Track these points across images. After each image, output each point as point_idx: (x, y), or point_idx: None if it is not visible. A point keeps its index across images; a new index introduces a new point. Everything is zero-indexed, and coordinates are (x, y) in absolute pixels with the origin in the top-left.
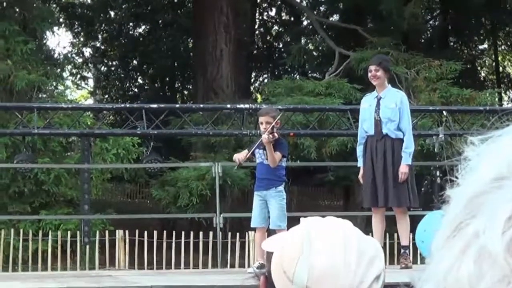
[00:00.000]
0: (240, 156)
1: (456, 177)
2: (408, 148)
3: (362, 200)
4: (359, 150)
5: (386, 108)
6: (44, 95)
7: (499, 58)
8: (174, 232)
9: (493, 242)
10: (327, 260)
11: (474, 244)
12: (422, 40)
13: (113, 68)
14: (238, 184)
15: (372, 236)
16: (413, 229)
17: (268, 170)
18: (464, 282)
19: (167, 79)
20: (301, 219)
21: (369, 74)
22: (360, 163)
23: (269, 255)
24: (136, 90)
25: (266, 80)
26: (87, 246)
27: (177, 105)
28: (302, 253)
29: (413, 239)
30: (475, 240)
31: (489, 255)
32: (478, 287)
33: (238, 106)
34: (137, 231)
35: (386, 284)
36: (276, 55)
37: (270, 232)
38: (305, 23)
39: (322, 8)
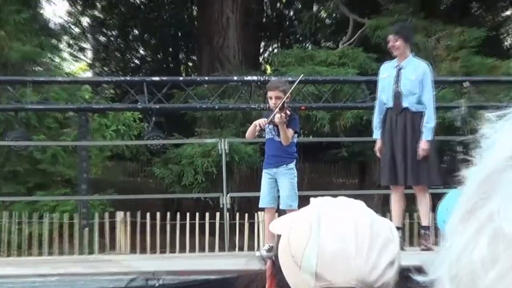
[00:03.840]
0: (261, 122)
1: (473, 155)
2: (429, 122)
3: (379, 178)
4: (376, 121)
5: (406, 79)
6: (40, 68)
7: None
8: (178, 213)
9: (509, 223)
10: (337, 245)
11: (488, 225)
12: (442, 7)
13: (112, 39)
14: (246, 161)
15: (390, 216)
16: (434, 208)
17: (279, 147)
18: (477, 265)
19: (170, 49)
20: (311, 199)
21: (388, 44)
22: (376, 135)
23: (278, 238)
24: (137, 62)
25: (276, 50)
26: (86, 229)
27: (181, 78)
28: (311, 236)
29: (435, 219)
30: (490, 221)
31: (504, 236)
32: (492, 270)
33: (245, 78)
34: (139, 213)
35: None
36: (287, 23)
37: (280, 213)
38: None
39: None
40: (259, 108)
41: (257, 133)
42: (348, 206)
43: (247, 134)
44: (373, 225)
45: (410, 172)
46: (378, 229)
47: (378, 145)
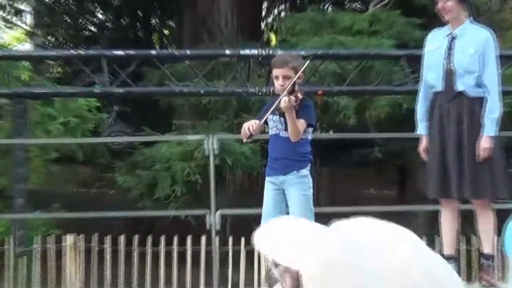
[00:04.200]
0: (251, 125)
1: None
2: (493, 112)
3: (425, 188)
4: (420, 111)
5: (462, 52)
6: None
7: None
8: (149, 237)
9: None
10: None
11: None
12: None
13: None
14: (243, 165)
15: (440, 240)
16: (500, 231)
17: (287, 146)
18: None
19: (139, 12)
20: (331, 225)
21: (437, 6)
22: (421, 130)
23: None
24: (93, 29)
25: (283, 13)
26: (23, 258)
27: (154, 51)
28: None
29: (501, 244)
30: None
31: None
32: None
33: (242, 51)
34: (95, 236)
35: None
36: None
37: None
38: None
39: None
40: (260, 93)
41: (246, 141)
42: (388, 238)
43: (242, 135)
44: (426, 266)
45: (467, 180)
46: (433, 270)
47: (423, 143)
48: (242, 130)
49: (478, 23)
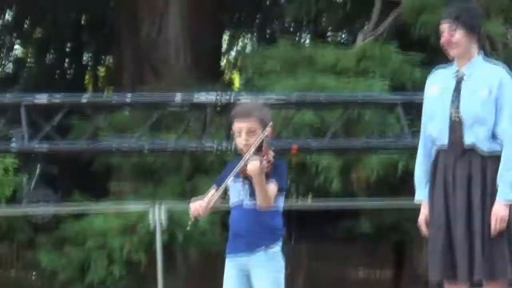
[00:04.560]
0: (198, 206)
1: None
2: (509, 170)
3: (428, 269)
4: (420, 172)
5: (472, 97)
6: None
7: None
8: None
9: None
10: None
11: None
12: None
13: None
14: (198, 241)
15: None
16: None
17: (254, 218)
18: None
19: (68, 46)
20: None
21: (442, 39)
22: (420, 196)
23: None
24: (10, 67)
25: (249, 47)
26: None
27: (85, 97)
28: None
29: None
30: None
31: None
32: None
33: (196, 97)
34: None
35: None
36: (267, 1)
37: None
38: None
39: None
40: (219, 150)
41: (190, 222)
42: None
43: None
44: None
45: (478, 259)
46: None
47: (423, 214)
48: (190, 210)
49: (492, 59)
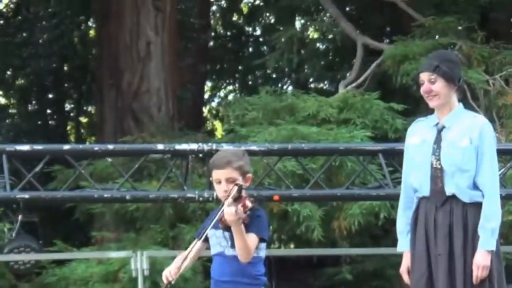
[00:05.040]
0: (169, 274)
1: None
2: (490, 220)
3: None
4: (401, 222)
5: (453, 145)
6: None
7: None
8: None
9: None
10: None
11: None
12: None
13: None
14: None
15: None
16: None
17: (235, 267)
18: None
19: (49, 96)
20: None
21: (421, 89)
22: (401, 246)
23: None
24: None
25: (231, 96)
26: None
27: (67, 146)
28: None
29: None
30: None
31: None
32: None
33: (178, 146)
34: None
35: None
36: (250, 49)
37: None
38: None
39: None
40: (201, 199)
41: (199, 246)
42: None
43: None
44: None
45: None
46: None
47: (405, 262)
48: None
49: (472, 109)
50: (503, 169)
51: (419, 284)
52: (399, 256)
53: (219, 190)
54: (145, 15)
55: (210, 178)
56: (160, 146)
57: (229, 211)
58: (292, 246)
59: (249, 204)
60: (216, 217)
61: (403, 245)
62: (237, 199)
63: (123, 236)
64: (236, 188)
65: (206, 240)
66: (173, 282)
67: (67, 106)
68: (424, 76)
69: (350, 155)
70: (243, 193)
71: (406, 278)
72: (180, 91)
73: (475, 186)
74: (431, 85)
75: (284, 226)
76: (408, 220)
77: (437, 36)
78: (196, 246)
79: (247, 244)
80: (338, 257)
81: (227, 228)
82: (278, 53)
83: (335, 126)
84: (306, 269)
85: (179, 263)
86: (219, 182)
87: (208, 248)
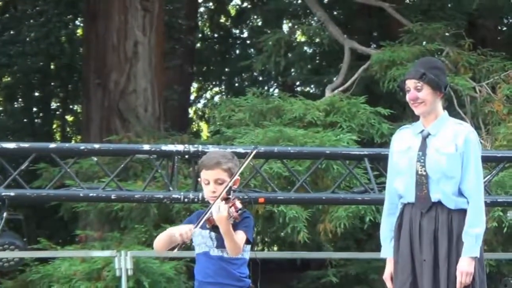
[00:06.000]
0: (184, 233)
1: None
2: (474, 226)
3: None
4: (384, 228)
5: (438, 152)
6: None
7: None
8: None
9: None
10: None
11: None
12: (504, 28)
13: None
14: None
15: None
16: None
17: (220, 267)
18: None
19: (35, 94)
20: None
21: (407, 96)
22: (385, 252)
23: None
24: None
25: (217, 97)
26: None
27: (53, 144)
28: None
29: None
30: None
31: None
32: None
33: (164, 147)
34: None
35: None
36: (236, 51)
37: None
38: None
39: None
40: (186, 200)
41: (174, 249)
42: None
43: (156, 243)
44: None
45: None
46: None
47: (388, 269)
48: (164, 235)
49: (459, 115)
50: (488, 176)
51: None
52: (383, 261)
53: (207, 191)
54: (133, 15)
55: (198, 178)
56: (146, 147)
57: (221, 210)
58: (275, 248)
59: (238, 205)
60: (205, 217)
61: (387, 251)
62: (226, 200)
63: (107, 235)
64: (225, 188)
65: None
66: (187, 240)
67: (53, 105)
68: (410, 83)
69: (336, 159)
70: (231, 194)
71: (389, 284)
72: (166, 91)
73: (460, 193)
74: (417, 93)
75: (269, 228)
76: (391, 227)
77: (424, 42)
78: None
79: (236, 241)
80: (322, 260)
81: (214, 228)
82: (265, 56)
83: (322, 129)
84: (290, 272)
85: (190, 227)
86: (208, 183)
87: (190, 248)
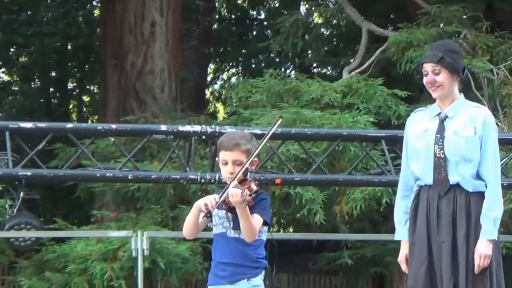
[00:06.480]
0: (209, 201)
1: None
2: (492, 209)
3: None
4: (399, 211)
5: (456, 136)
6: None
7: None
8: None
9: None
10: None
11: None
12: None
13: None
14: (179, 269)
15: None
16: None
17: (236, 248)
18: None
19: (52, 74)
20: None
21: (424, 79)
22: (400, 235)
23: None
24: None
25: (234, 79)
26: None
27: (70, 124)
28: None
29: None
30: None
31: None
32: None
33: (181, 127)
34: None
35: None
36: (254, 33)
37: None
38: None
39: None
40: (203, 180)
41: (202, 219)
42: None
43: (185, 229)
44: None
45: None
46: None
47: (403, 252)
48: (193, 210)
49: (476, 98)
50: (505, 159)
51: (419, 272)
52: (398, 243)
53: (225, 171)
54: None
55: (216, 158)
56: (163, 127)
57: (234, 193)
58: (291, 230)
59: (254, 187)
60: (221, 198)
61: (401, 234)
62: (243, 181)
63: (123, 216)
64: (242, 170)
65: (210, 216)
66: (212, 209)
67: (70, 85)
68: (428, 67)
69: (353, 140)
70: (248, 176)
71: (404, 267)
72: (183, 72)
73: (478, 176)
74: (435, 76)
75: (285, 209)
76: (406, 209)
77: (442, 25)
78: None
79: (252, 225)
80: (338, 242)
81: (230, 209)
82: (283, 37)
83: (339, 111)
84: (305, 253)
85: (214, 197)
86: (226, 164)
87: (208, 229)
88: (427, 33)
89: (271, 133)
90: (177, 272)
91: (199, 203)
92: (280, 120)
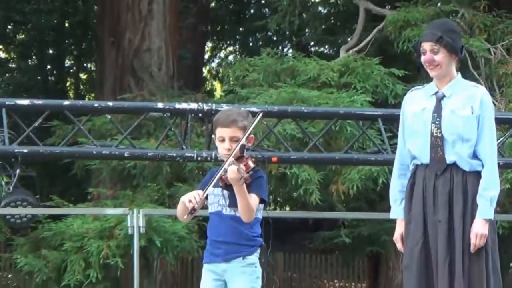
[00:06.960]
0: (193, 197)
1: None
2: (489, 189)
3: (404, 284)
4: (394, 189)
5: (454, 115)
6: None
7: None
8: None
9: None
10: None
11: None
12: None
13: None
14: (175, 247)
15: None
16: None
17: (232, 226)
18: None
19: (49, 51)
20: None
21: (422, 58)
22: (395, 213)
23: None
24: None
25: (231, 57)
26: None
27: (66, 101)
28: None
29: None
30: None
31: None
32: None
33: (178, 105)
34: None
35: None
36: (251, 11)
37: None
38: None
39: None
40: (199, 158)
41: (186, 216)
42: None
43: (178, 213)
44: None
45: (458, 274)
46: None
47: (398, 230)
48: (179, 205)
49: (469, 76)
50: (501, 138)
51: (414, 250)
52: (394, 222)
53: (222, 148)
54: None
55: (213, 136)
56: (160, 105)
57: (231, 169)
58: (287, 208)
59: (251, 164)
60: (218, 175)
61: (397, 212)
62: (239, 158)
63: (119, 193)
64: (238, 146)
65: (206, 197)
66: (196, 208)
67: (67, 62)
68: (426, 46)
69: (349, 119)
70: (245, 153)
71: (399, 245)
72: (180, 50)
73: (475, 155)
74: (434, 55)
75: (281, 188)
76: (402, 188)
77: (439, 3)
78: (204, 194)
79: (249, 203)
80: (334, 220)
81: (227, 187)
82: (280, 16)
83: (336, 90)
84: (301, 232)
85: (199, 195)
86: (223, 140)
87: (204, 207)
88: (424, 12)
89: (251, 129)
90: (173, 250)
91: (184, 199)
92: (260, 115)
